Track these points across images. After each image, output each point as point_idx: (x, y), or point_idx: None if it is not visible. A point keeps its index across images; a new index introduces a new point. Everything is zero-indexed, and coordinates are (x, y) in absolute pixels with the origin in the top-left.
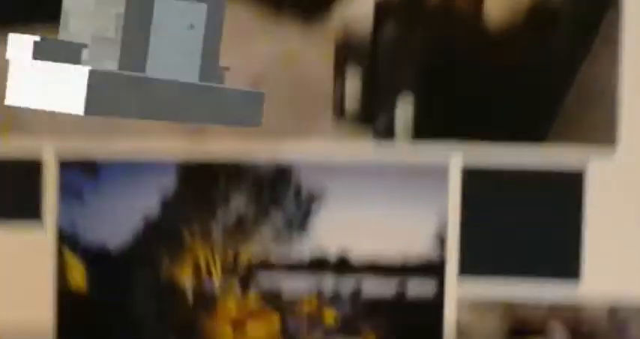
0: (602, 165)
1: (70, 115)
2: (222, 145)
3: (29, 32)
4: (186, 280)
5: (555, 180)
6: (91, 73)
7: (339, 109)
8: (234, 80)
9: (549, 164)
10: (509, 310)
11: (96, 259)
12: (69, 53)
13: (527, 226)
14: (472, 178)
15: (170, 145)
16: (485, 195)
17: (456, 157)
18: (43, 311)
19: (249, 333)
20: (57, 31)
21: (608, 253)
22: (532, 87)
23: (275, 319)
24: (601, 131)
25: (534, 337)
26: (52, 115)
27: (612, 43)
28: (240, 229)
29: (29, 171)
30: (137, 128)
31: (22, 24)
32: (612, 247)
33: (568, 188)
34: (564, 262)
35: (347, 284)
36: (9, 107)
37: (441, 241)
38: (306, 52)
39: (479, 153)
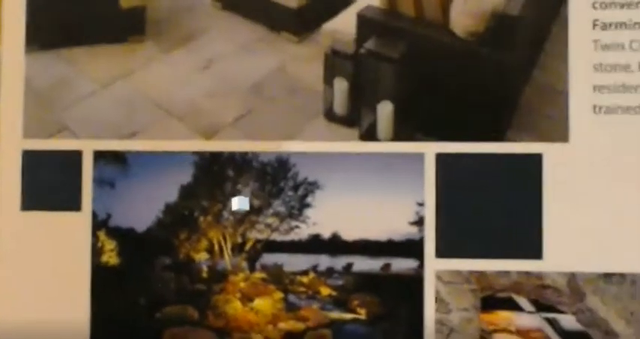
0: (557, 151)
1: (102, 115)
2: (230, 143)
3: (75, 54)
4: (201, 258)
5: (516, 166)
6: None
7: (329, 114)
8: (237, 87)
9: (510, 150)
10: (481, 281)
11: (125, 239)
12: None
13: (493, 208)
14: (444, 166)
15: (188, 142)
16: (457, 182)
17: (429, 150)
18: (81, 283)
19: (256, 304)
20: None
21: (566, 231)
22: (493, 87)
23: (278, 293)
24: (555, 123)
25: (503, 305)
26: (88, 118)
27: (562, 43)
28: (247, 215)
29: (69, 163)
30: (160, 127)
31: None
32: (569, 226)
33: (527, 172)
34: (527, 239)
35: (339, 262)
36: (53, 114)
37: (420, 222)
38: (299, 64)
39: (450, 147)
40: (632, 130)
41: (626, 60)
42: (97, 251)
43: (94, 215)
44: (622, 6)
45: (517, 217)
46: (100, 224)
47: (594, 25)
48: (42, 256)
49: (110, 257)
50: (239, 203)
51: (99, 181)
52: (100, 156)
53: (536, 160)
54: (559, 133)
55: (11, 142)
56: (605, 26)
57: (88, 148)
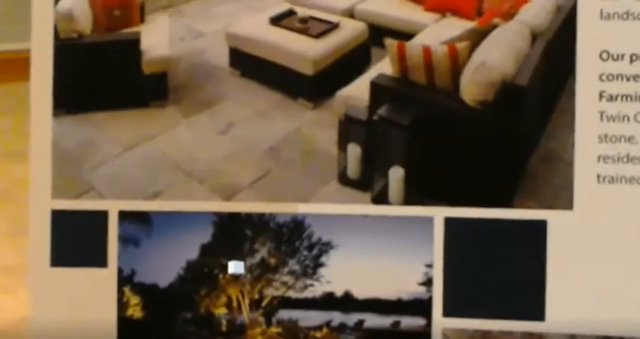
0: (562, 218)
1: (126, 177)
2: (248, 204)
3: (100, 118)
4: (220, 313)
5: (522, 231)
6: None
7: (342, 178)
8: (255, 150)
9: (516, 217)
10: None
11: (149, 294)
12: None
13: (499, 271)
14: (452, 229)
15: (207, 203)
16: (464, 245)
17: (438, 214)
18: (108, 335)
19: None
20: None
21: (568, 294)
22: (501, 154)
23: None
24: (561, 191)
25: None
26: (113, 179)
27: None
28: (264, 273)
29: (96, 222)
30: (181, 188)
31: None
32: (572, 290)
33: (532, 238)
34: (531, 301)
35: (351, 319)
36: (80, 175)
37: (429, 283)
38: (314, 129)
39: (458, 211)
40: (635, 200)
41: (632, 132)
42: (122, 305)
43: (120, 271)
44: (628, 79)
45: (521, 280)
46: (125, 280)
47: (601, 97)
48: (70, 309)
49: (135, 311)
50: (235, 267)
51: (124, 240)
52: (124, 215)
53: (541, 226)
54: (564, 200)
55: (41, 202)
56: (611, 98)
57: (113, 208)
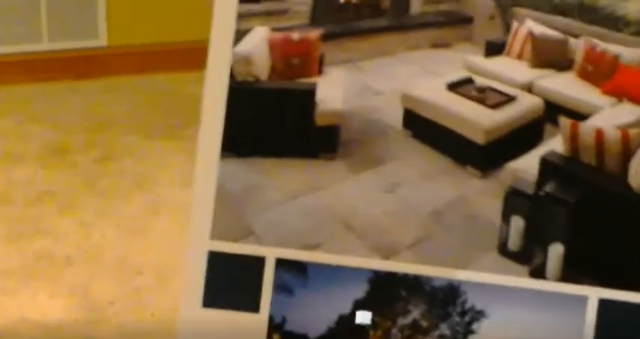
0: None
1: (288, 225)
2: (406, 265)
3: (267, 165)
4: None
5: None
6: None
7: (503, 249)
8: (418, 212)
9: None
10: None
11: None
12: None
13: None
14: (606, 311)
15: (366, 259)
16: (617, 328)
17: (593, 294)
18: None
19: None
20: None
21: None
22: None
23: None
24: None
25: None
26: (274, 226)
27: None
28: (414, 334)
29: (252, 267)
30: (342, 242)
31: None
32: None
33: None
34: None
35: None
36: (241, 219)
37: None
38: (479, 197)
39: (614, 293)
40: None
41: None
42: None
43: (271, 318)
44: None
45: None
46: (275, 327)
47: None
48: None
49: None
50: (362, 317)
51: (278, 287)
52: (281, 263)
53: None
54: None
55: (199, 242)
56: None
57: (271, 254)
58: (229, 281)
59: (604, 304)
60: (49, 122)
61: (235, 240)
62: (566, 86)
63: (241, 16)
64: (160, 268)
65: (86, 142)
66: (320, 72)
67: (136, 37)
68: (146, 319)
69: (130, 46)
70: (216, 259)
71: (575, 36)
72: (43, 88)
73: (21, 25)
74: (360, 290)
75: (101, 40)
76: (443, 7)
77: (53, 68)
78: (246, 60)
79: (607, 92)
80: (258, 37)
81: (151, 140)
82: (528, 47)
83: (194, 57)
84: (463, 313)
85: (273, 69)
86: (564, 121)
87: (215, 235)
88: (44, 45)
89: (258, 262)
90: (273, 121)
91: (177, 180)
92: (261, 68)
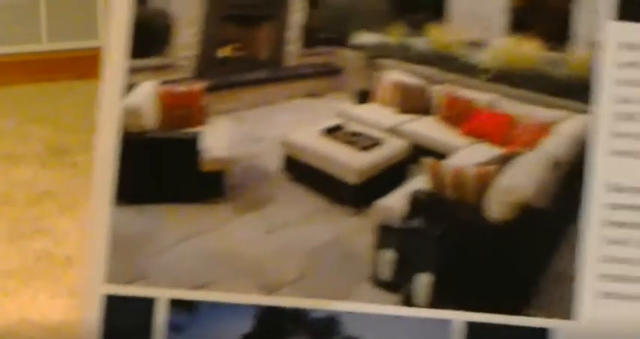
0: (565, 327)
1: (178, 267)
2: (288, 299)
3: (157, 211)
4: None
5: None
6: None
7: (375, 280)
8: (297, 251)
9: (527, 324)
10: None
11: None
12: None
13: None
14: (470, 332)
15: (251, 296)
16: None
17: (457, 318)
18: None
19: None
20: None
21: None
22: (520, 266)
23: None
24: (565, 303)
25: None
26: (166, 268)
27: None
28: None
29: (144, 309)
30: (228, 281)
31: (150, 203)
32: None
33: None
34: None
35: None
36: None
37: None
38: (352, 235)
39: (476, 316)
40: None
41: (631, 255)
42: None
43: None
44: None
45: None
46: None
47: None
48: None
49: None
50: None
51: (170, 326)
52: (173, 303)
53: (543, 333)
54: (566, 311)
55: (93, 286)
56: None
57: (163, 295)
58: (123, 323)
59: (470, 327)
60: (49, 122)
61: (129, 283)
62: (429, 129)
63: (130, 71)
64: None
65: (86, 142)
66: (205, 122)
67: None
68: None
69: None
70: (110, 302)
71: (437, 83)
72: (43, 88)
73: (21, 26)
74: (248, 325)
75: (101, 40)
76: (316, 59)
77: (53, 68)
78: (136, 112)
79: (466, 134)
80: (146, 90)
81: None
82: (394, 94)
83: None
84: None
85: (160, 120)
86: (427, 161)
87: (109, 279)
88: (44, 45)
89: (152, 303)
90: (162, 170)
91: None
92: (150, 119)
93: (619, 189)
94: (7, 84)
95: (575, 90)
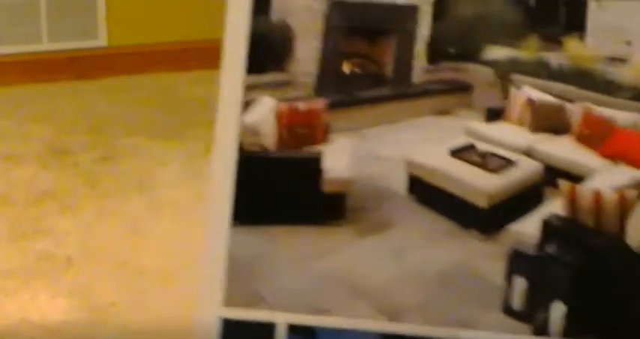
0: None
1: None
2: (412, 326)
3: (275, 232)
4: None
5: None
6: None
7: (506, 308)
8: (423, 275)
9: None
10: None
11: None
12: None
13: None
14: None
15: (373, 322)
16: None
17: None
18: None
19: None
20: None
21: None
22: None
23: None
24: None
25: None
26: (284, 292)
27: None
28: None
29: (264, 333)
30: (349, 306)
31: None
32: None
33: None
34: None
35: None
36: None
37: None
38: (482, 260)
39: None
40: None
41: None
42: None
43: None
44: None
45: None
46: None
47: None
48: None
49: None
50: None
51: None
52: (292, 328)
53: None
54: None
55: (211, 309)
56: None
57: (281, 320)
58: None
59: None
60: (49, 122)
61: (246, 306)
62: (564, 150)
63: (247, 88)
64: (161, 269)
65: (86, 142)
66: (326, 140)
67: (135, 37)
68: (147, 320)
69: (129, 46)
70: (228, 326)
71: (571, 101)
72: (43, 88)
73: (21, 26)
74: None
75: (101, 40)
76: (443, 75)
77: (53, 68)
78: (254, 131)
79: (604, 155)
80: (265, 107)
81: (150, 140)
82: (527, 113)
83: (194, 57)
84: None
85: (280, 139)
86: (564, 185)
87: (226, 302)
88: (44, 45)
89: (270, 327)
90: (281, 190)
91: (178, 180)
92: (269, 138)
93: None
94: (8, 83)
95: None
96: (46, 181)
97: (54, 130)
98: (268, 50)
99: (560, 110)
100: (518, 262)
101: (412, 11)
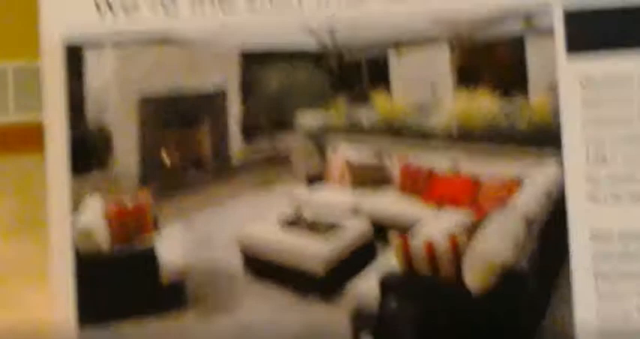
0: None
1: None
2: None
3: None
4: None
5: None
6: None
7: None
8: None
9: None
10: None
11: None
12: None
13: None
14: None
15: None
16: None
17: None
18: None
19: None
20: None
21: None
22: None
23: None
24: None
25: None
26: None
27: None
28: None
29: None
30: None
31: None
32: None
33: None
34: None
35: None
36: None
37: None
38: (326, 324)
39: None
40: None
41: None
42: None
43: None
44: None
45: None
46: None
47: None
48: None
49: None
50: None
51: None
52: None
53: None
54: None
55: None
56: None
57: None
58: None
59: None
60: None
61: None
62: (389, 203)
63: (75, 187)
64: None
65: None
66: (158, 231)
67: None
68: None
69: None
70: None
71: (391, 153)
72: None
73: None
74: None
75: None
76: (261, 148)
77: None
78: (86, 232)
79: (428, 201)
80: (94, 209)
81: None
82: (346, 173)
83: None
84: None
85: (112, 236)
86: (394, 238)
87: None
88: None
89: None
90: (122, 286)
91: None
92: (101, 237)
93: (603, 237)
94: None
95: (540, 137)
96: None
97: None
98: (87, 150)
99: (379, 165)
100: (362, 320)
101: (220, 96)
